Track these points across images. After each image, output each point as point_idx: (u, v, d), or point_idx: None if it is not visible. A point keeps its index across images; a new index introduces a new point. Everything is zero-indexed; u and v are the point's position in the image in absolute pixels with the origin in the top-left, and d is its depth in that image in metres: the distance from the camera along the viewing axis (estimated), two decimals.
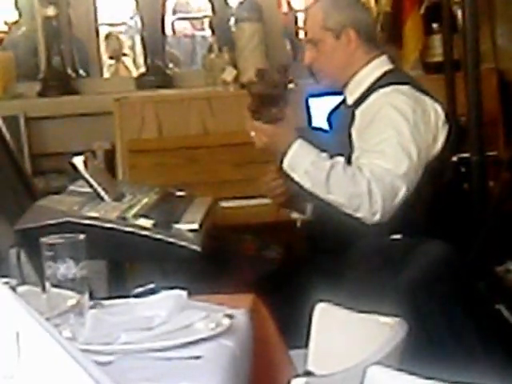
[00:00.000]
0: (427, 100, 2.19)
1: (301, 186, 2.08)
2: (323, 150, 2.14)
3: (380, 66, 2.25)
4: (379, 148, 2.07)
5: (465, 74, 2.36)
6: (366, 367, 1.06)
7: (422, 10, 3.32)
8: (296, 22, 4.39)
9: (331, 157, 2.09)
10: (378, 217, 2.02)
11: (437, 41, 3.29)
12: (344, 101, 2.30)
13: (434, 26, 3.32)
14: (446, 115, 2.19)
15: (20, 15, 3.65)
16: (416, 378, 1.03)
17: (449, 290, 1.92)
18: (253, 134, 2.13)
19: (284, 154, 2.08)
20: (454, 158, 2.20)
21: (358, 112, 2.20)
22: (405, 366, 1.21)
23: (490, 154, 2.52)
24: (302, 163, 2.06)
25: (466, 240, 2.15)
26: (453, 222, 2.15)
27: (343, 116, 2.27)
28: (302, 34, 3.81)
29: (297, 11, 4.69)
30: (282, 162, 2.09)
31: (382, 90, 2.18)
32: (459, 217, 2.18)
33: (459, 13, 2.97)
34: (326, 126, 2.38)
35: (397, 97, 2.15)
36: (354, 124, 2.19)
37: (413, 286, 1.88)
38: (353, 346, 1.33)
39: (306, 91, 2.96)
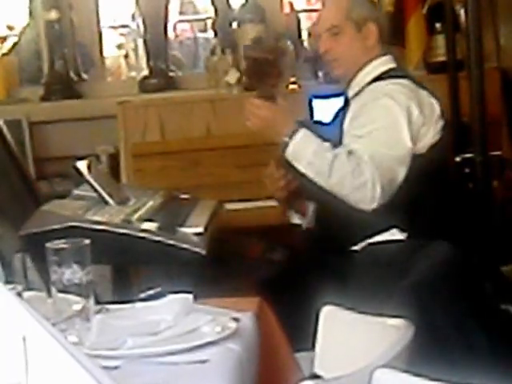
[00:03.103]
0: (424, 93, 2.20)
1: (303, 175, 2.08)
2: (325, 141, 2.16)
3: (385, 63, 2.27)
4: (374, 134, 2.10)
5: (468, 73, 2.36)
6: (373, 370, 1.06)
7: (425, 10, 3.31)
8: (298, 23, 4.38)
9: (334, 145, 2.10)
10: (375, 204, 2.04)
11: (440, 40, 3.29)
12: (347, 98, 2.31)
13: (437, 25, 3.32)
14: (442, 112, 2.20)
15: (30, 14, 3.62)
16: (423, 380, 1.03)
17: (455, 290, 1.92)
18: (251, 109, 2.11)
19: (286, 143, 2.08)
20: (458, 159, 2.20)
21: (352, 101, 2.24)
22: (412, 367, 1.21)
23: (494, 153, 2.51)
24: (305, 154, 2.07)
25: (471, 240, 2.15)
26: (458, 222, 2.15)
27: (342, 111, 2.30)
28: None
29: (299, 12, 4.67)
30: (284, 150, 2.09)
31: (378, 82, 2.22)
32: (464, 217, 2.18)
33: (462, 12, 2.97)
34: (326, 119, 2.39)
35: (391, 87, 2.19)
36: (348, 113, 2.22)
37: (419, 287, 1.88)
38: (359, 348, 1.32)
39: (309, 92, 2.96)
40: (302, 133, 2.08)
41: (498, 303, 2.16)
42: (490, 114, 2.43)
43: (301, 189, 2.24)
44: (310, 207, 2.33)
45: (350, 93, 2.29)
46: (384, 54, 2.28)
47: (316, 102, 2.99)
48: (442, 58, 3.25)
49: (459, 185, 2.24)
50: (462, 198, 2.23)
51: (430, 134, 2.16)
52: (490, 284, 2.15)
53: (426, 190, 2.12)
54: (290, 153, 2.09)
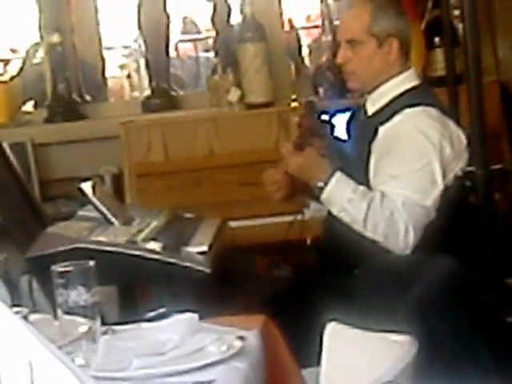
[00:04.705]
0: (451, 124, 2.20)
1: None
2: (341, 160, 2.16)
3: (407, 80, 2.24)
4: (408, 178, 2.09)
5: (467, 87, 2.37)
6: None
7: (423, 25, 3.33)
8: (298, 40, 4.42)
9: (360, 182, 2.11)
10: (408, 251, 2.07)
11: (439, 55, 3.30)
12: (362, 108, 2.30)
13: (436, 40, 3.34)
14: (469, 142, 2.21)
15: (41, 38, 3.64)
16: None
17: (458, 304, 1.91)
18: (285, 152, 2.16)
19: (321, 188, 2.11)
20: (459, 173, 2.21)
21: (381, 130, 2.20)
22: (417, 383, 1.21)
23: (495, 167, 2.52)
24: (340, 200, 2.09)
25: (474, 253, 2.15)
26: (461, 236, 2.15)
27: (362, 127, 2.28)
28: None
29: (299, 29, 4.71)
30: (318, 195, 2.12)
31: (408, 111, 2.18)
32: (467, 230, 2.18)
33: (460, 26, 2.98)
34: (343, 135, 2.39)
35: (424, 120, 2.15)
36: (376, 141, 2.19)
37: (422, 302, 1.88)
38: (364, 364, 1.33)
39: (329, 106, 2.95)
40: (337, 178, 2.10)
41: (503, 316, 2.15)
42: (491, 127, 2.44)
43: (297, 188, 2.27)
44: (312, 204, 2.35)
45: (370, 110, 2.26)
46: (405, 70, 2.24)
47: (336, 116, 2.96)
48: (441, 72, 3.26)
49: (461, 198, 2.24)
50: (464, 211, 2.24)
51: (457, 167, 2.17)
52: (494, 297, 2.15)
53: (440, 213, 2.13)
54: (325, 198, 2.12)
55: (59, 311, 1.35)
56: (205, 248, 2.03)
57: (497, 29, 3.28)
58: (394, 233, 2.05)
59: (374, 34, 2.20)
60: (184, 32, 5.48)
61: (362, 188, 2.10)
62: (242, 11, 3.45)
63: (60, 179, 3.36)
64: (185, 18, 5.42)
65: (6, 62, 4.45)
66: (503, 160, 3.00)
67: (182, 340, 1.39)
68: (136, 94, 4.85)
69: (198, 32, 5.51)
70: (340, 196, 2.09)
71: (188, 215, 2.46)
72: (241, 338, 1.38)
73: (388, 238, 2.05)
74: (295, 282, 2.42)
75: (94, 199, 2.14)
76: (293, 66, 3.83)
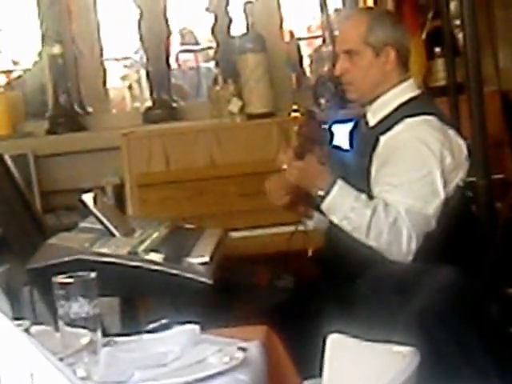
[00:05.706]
0: (452, 133, 2.20)
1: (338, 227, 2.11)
2: (342, 170, 2.16)
3: (407, 90, 2.25)
4: (410, 186, 2.10)
5: (468, 96, 2.37)
6: None
7: (424, 35, 3.34)
8: (299, 51, 4.42)
9: (362, 191, 2.11)
10: (410, 258, 2.07)
11: (439, 65, 3.32)
12: (363, 119, 2.31)
13: (437, 50, 3.35)
14: (469, 152, 2.21)
15: (43, 49, 3.65)
16: None
17: (460, 315, 1.91)
18: (285, 166, 2.15)
19: (322, 197, 2.10)
20: (460, 183, 2.21)
21: (382, 139, 2.21)
22: None
23: (496, 176, 2.52)
24: (342, 208, 2.09)
25: (476, 263, 2.15)
26: (462, 245, 2.15)
27: (364, 138, 2.28)
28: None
29: (299, 39, 4.71)
30: (319, 203, 2.12)
31: (409, 120, 2.18)
32: (468, 240, 2.19)
33: (461, 36, 2.99)
34: (345, 145, 2.40)
35: (425, 129, 2.16)
36: (377, 151, 2.20)
37: (424, 312, 1.88)
38: (366, 376, 1.32)
39: (331, 116, 2.95)
40: (339, 186, 2.10)
41: (505, 326, 2.15)
42: (491, 137, 2.44)
43: (300, 198, 2.26)
44: (316, 214, 2.35)
45: (372, 121, 2.27)
46: (405, 80, 2.25)
47: (336, 126, 2.97)
48: (442, 82, 3.27)
49: (462, 208, 2.24)
50: (466, 221, 2.24)
51: (458, 177, 2.18)
52: (496, 307, 2.15)
53: (442, 223, 2.13)
54: (326, 206, 2.11)
55: (60, 323, 1.34)
56: (206, 259, 2.02)
57: (497, 38, 3.29)
58: (398, 240, 2.05)
59: (370, 43, 2.21)
60: (182, 43, 5.49)
61: (363, 196, 2.10)
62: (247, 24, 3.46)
63: (61, 190, 3.36)
64: (183, 28, 5.44)
65: (8, 73, 4.45)
66: (504, 170, 3.00)
67: (184, 351, 1.39)
68: (137, 104, 4.87)
69: (197, 43, 5.52)
70: (343, 204, 2.09)
71: (189, 226, 2.47)
72: (242, 349, 1.38)
73: (391, 246, 2.05)
74: (296, 292, 2.42)
75: (96, 210, 2.14)
76: (294, 77, 3.84)
